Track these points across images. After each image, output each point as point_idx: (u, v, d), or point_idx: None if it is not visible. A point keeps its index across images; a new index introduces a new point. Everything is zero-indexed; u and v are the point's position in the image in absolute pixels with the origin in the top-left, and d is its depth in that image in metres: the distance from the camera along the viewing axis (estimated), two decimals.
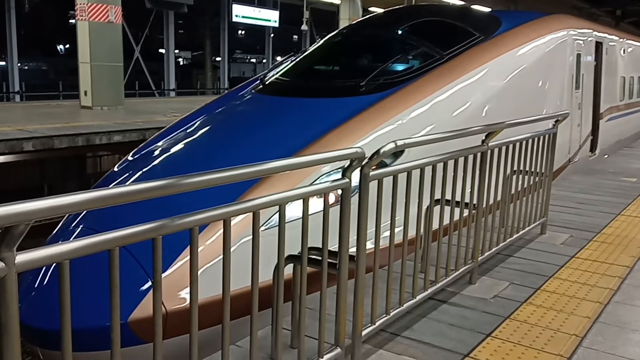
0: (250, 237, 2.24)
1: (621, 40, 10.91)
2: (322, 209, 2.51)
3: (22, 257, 1.46)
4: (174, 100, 20.02)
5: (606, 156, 9.88)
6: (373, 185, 2.70)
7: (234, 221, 2.17)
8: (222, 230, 2.12)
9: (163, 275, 1.96)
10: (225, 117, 5.64)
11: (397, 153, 3.38)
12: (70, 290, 1.62)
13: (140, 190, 1.76)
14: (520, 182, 4.39)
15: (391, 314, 3.03)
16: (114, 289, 1.74)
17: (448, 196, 3.42)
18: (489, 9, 11.00)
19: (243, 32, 32.91)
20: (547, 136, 4.73)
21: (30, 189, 12.12)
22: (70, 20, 23.68)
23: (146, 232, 1.79)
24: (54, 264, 1.61)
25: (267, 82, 6.01)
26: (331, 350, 2.67)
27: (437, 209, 3.48)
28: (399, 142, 2.78)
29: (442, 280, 3.49)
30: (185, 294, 3.40)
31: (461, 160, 3.48)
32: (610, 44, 9.95)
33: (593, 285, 3.87)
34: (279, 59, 23.98)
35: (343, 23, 21.01)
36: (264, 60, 32.02)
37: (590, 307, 3.52)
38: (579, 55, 8.02)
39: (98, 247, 1.67)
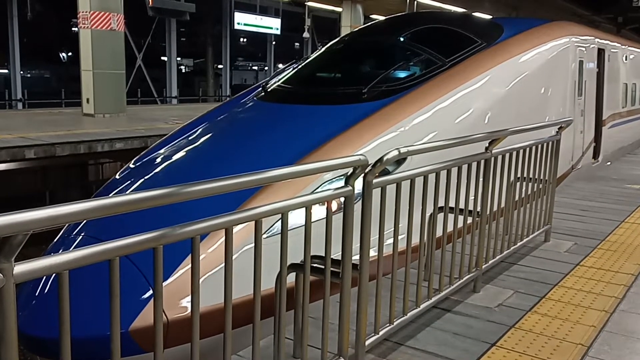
0: (252, 245, 2.22)
1: (623, 47, 10.90)
2: (325, 216, 2.49)
3: (20, 268, 1.44)
4: (175, 108, 20.04)
5: (609, 163, 9.85)
6: (376, 193, 2.68)
7: (236, 229, 2.15)
8: (223, 239, 2.09)
9: (164, 283, 1.94)
10: (227, 124, 5.63)
11: (399, 160, 3.36)
12: (70, 299, 1.60)
13: (140, 200, 1.74)
14: (523, 189, 4.37)
15: (395, 323, 3.00)
16: (114, 298, 1.72)
17: (451, 203, 3.40)
18: (491, 16, 11.02)
19: (245, 39, 33.01)
20: (550, 143, 4.71)
21: (32, 197, 12.12)
22: (73, 28, 23.77)
23: (146, 242, 1.77)
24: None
25: (269, 90, 6.00)
26: None
27: (440, 216, 3.45)
28: (402, 150, 2.76)
29: (446, 289, 3.46)
30: (186, 302, 3.38)
31: (464, 167, 3.46)
32: (612, 50, 9.94)
33: (598, 293, 3.84)
34: (280, 66, 24.05)
35: (344, 30, 21.06)
36: (266, 68, 32.11)
37: (596, 315, 3.48)
38: (581, 62, 8.01)
39: (98, 257, 1.65)
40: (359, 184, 2.60)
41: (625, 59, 10.96)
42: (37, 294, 3.60)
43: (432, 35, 6.44)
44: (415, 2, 21.58)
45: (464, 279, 3.62)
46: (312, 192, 3.22)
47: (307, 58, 7.04)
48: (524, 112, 6.29)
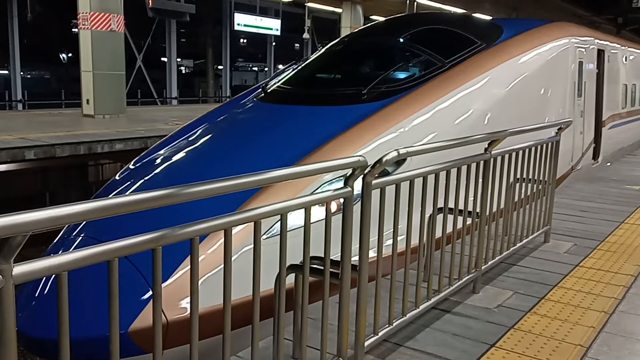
0: (252, 246, 2.22)
1: (623, 47, 10.90)
2: (324, 217, 2.49)
3: (19, 269, 1.44)
4: (176, 109, 20.06)
5: (609, 164, 9.85)
6: (375, 194, 2.68)
7: (235, 230, 2.15)
8: (223, 240, 2.10)
9: (164, 284, 1.95)
10: (227, 125, 5.64)
11: (399, 161, 3.36)
12: (70, 300, 1.60)
13: (140, 200, 1.74)
14: (523, 190, 4.37)
15: (394, 324, 3.00)
16: (113, 299, 1.72)
17: (451, 204, 3.40)
18: (490, 17, 11.03)
19: (245, 40, 33.05)
20: (549, 144, 4.71)
21: (32, 198, 12.12)
22: (73, 29, 23.80)
23: (145, 243, 1.77)
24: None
25: (268, 90, 6.00)
26: None
27: (439, 217, 3.45)
28: (402, 151, 2.76)
29: (446, 290, 3.46)
30: (186, 303, 3.38)
31: (464, 168, 3.46)
32: (612, 51, 9.95)
33: (598, 294, 3.84)
34: (280, 67, 24.08)
35: (344, 31, 21.07)
36: (266, 69, 32.13)
37: (595, 316, 3.48)
38: (580, 63, 8.01)
39: (96, 258, 1.65)
40: (358, 185, 2.60)
41: (625, 60, 10.96)
42: (37, 295, 3.60)
43: (431, 36, 6.44)
44: (415, 3, 21.59)
45: (464, 279, 3.62)
46: (312, 193, 3.22)
47: (307, 59, 7.04)
48: (524, 113, 6.29)
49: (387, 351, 2.98)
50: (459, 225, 3.52)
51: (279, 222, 2.31)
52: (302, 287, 2.51)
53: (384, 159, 2.66)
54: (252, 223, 2.18)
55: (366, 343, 2.78)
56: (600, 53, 9.17)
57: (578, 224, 5.61)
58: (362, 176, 2.59)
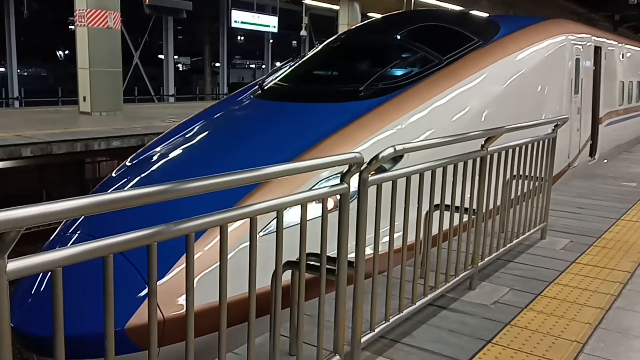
0: (248, 243, 2.21)
1: (620, 44, 10.92)
2: (321, 214, 2.49)
3: (13, 265, 1.43)
4: (173, 106, 20.01)
5: (605, 161, 9.86)
6: (372, 191, 2.68)
7: (233, 227, 2.15)
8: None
9: (161, 281, 1.95)
10: (224, 122, 5.63)
11: (396, 158, 3.36)
12: (66, 297, 1.59)
13: (135, 196, 1.74)
14: (519, 187, 4.37)
15: (390, 320, 3.00)
16: (108, 296, 1.72)
17: (447, 201, 3.40)
18: (487, 14, 11.03)
19: (242, 37, 32.99)
20: (546, 141, 4.72)
21: (29, 195, 12.08)
22: (70, 26, 23.73)
23: (140, 239, 1.77)
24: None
25: (265, 87, 6.00)
26: (330, 357, 2.64)
27: (436, 214, 3.45)
28: (398, 147, 2.76)
29: (442, 286, 3.46)
30: (183, 300, 3.37)
31: (460, 165, 3.46)
32: (609, 48, 9.96)
33: (594, 290, 3.85)
34: (278, 64, 24.07)
35: (342, 28, 21.05)
36: (263, 66, 32.11)
37: (592, 313, 3.49)
38: (577, 60, 8.02)
39: (91, 254, 1.64)
40: (355, 182, 2.60)
41: (622, 57, 10.97)
42: (33, 292, 3.60)
43: (428, 33, 6.44)
44: (413, 0, 21.57)
45: (460, 276, 3.63)
46: (309, 190, 3.22)
47: (304, 56, 7.03)
48: (521, 110, 6.29)
49: (383, 347, 2.98)
50: (456, 221, 3.52)
51: (276, 219, 2.31)
52: (298, 283, 2.50)
53: (381, 156, 2.66)
54: (249, 220, 2.18)
55: (363, 339, 2.79)
56: (597, 50, 9.18)
57: (575, 220, 5.62)
58: (358, 173, 2.59)
